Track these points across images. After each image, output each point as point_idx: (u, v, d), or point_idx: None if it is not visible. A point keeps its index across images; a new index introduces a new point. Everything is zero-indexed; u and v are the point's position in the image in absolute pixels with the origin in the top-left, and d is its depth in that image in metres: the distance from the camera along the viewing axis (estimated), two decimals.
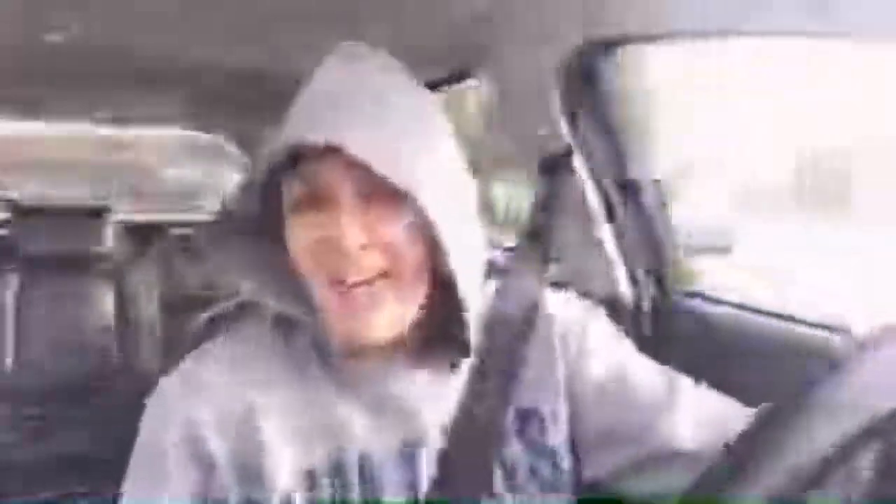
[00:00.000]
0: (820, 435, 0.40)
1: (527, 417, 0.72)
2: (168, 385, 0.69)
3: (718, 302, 1.23)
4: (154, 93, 2.01)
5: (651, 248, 1.29)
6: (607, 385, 0.74)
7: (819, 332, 0.98)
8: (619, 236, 1.29)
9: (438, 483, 0.65)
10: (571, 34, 1.14)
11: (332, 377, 0.68)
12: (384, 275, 0.63)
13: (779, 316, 1.09)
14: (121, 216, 2.11)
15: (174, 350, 1.12)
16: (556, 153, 1.13)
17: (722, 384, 1.06)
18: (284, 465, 0.64)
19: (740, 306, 1.18)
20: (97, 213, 2.01)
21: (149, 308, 2.00)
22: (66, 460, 1.87)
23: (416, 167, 0.61)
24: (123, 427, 2.10)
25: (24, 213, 1.94)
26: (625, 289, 1.30)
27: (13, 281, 1.89)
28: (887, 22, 0.75)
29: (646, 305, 1.29)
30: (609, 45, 1.18)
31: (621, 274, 1.31)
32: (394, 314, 0.64)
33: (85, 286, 1.95)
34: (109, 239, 2.00)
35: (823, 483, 0.39)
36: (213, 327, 1.05)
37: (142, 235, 2.22)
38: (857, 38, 0.88)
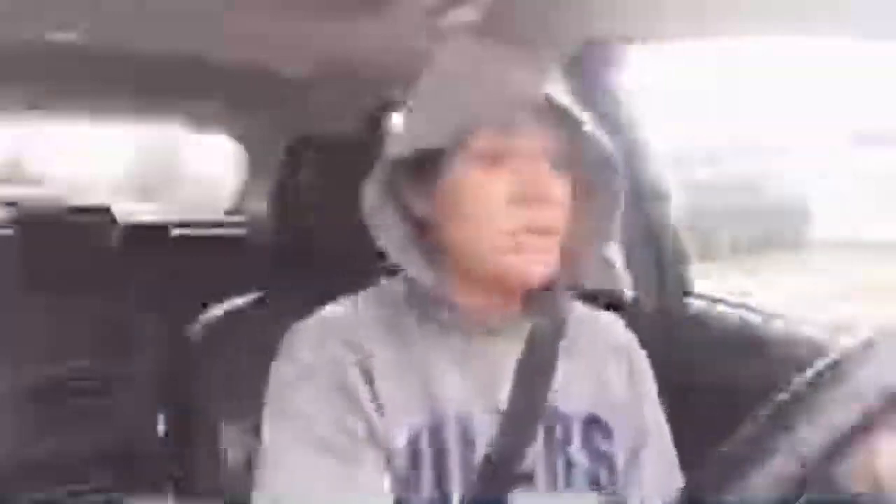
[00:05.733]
0: (815, 435, 0.40)
1: (593, 423, 0.74)
2: (299, 332, 0.72)
3: (719, 302, 1.23)
4: (156, 91, 2.01)
5: (653, 248, 1.29)
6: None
7: (819, 333, 0.99)
8: (622, 236, 1.29)
9: (487, 457, 0.68)
10: (572, 34, 1.14)
11: (436, 341, 0.71)
12: (552, 229, 0.68)
13: (778, 317, 1.09)
14: (123, 217, 2.11)
15: (178, 349, 1.12)
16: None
17: (721, 383, 1.06)
18: (391, 423, 0.67)
19: (740, 306, 1.18)
20: (100, 215, 2.01)
21: (152, 308, 2.00)
22: (70, 459, 1.87)
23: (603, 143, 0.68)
24: (126, 426, 2.10)
25: (27, 213, 1.94)
26: (627, 288, 1.31)
27: (17, 281, 1.89)
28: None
29: (648, 305, 1.29)
30: (610, 45, 1.18)
31: (623, 273, 1.31)
32: (550, 261, 0.68)
33: (89, 287, 1.96)
34: (113, 240, 2.00)
35: (812, 485, 0.39)
36: (229, 321, 1.05)
37: (145, 236, 2.22)
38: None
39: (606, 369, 0.77)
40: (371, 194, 0.70)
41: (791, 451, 0.40)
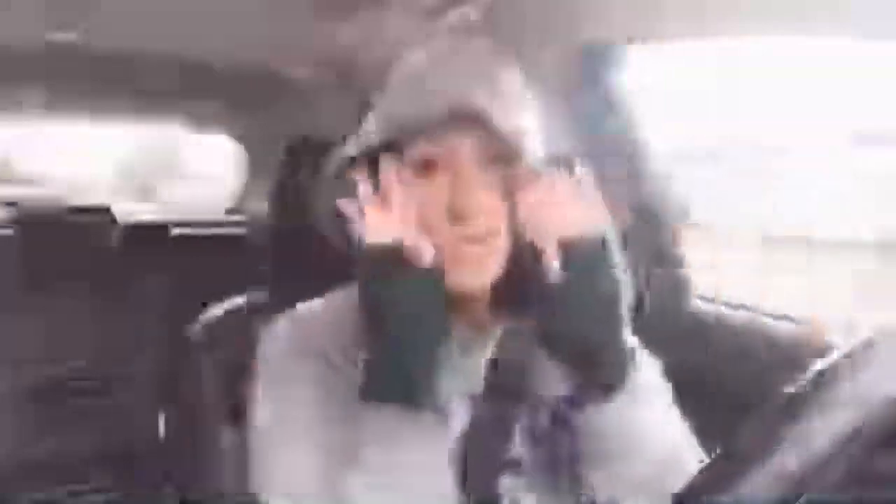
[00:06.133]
0: (815, 435, 0.40)
1: (572, 399, 0.73)
2: (281, 327, 0.73)
3: (716, 302, 1.23)
4: (156, 91, 2.01)
5: (651, 246, 1.29)
6: None
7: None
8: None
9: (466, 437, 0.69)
10: (572, 34, 1.14)
11: None
12: (489, 232, 0.67)
13: (776, 316, 1.09)
14: (123, 217, 2.11)
15: (178, 349, 1.12)
16: (557, 155, 1.13)
17: (719, 383, 1.06)
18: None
19: (738, 306, 1.18)
20: (100, 215, 2.01)
21: (152, 308, 2.00)
22: (70, 459, 1.87)
23: (532, 142, 0.67)
24: (126, 426, 2.09)
25: (27, 213, 1.94)
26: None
27: (17, 281, 1.89)
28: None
29: (646, 304, 1.29)
30: (610, 45, 1.18)
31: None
32: (491, 265, 0.68)
33: (89, 287, 1.96)
34: (113, 240, 2.00)
35: (814, 485, 0.39)
36: (229, 321, 1.06)
37: (145, 236, 2.22)
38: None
39: None
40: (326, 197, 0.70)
41: (784, 452, 0.40)
